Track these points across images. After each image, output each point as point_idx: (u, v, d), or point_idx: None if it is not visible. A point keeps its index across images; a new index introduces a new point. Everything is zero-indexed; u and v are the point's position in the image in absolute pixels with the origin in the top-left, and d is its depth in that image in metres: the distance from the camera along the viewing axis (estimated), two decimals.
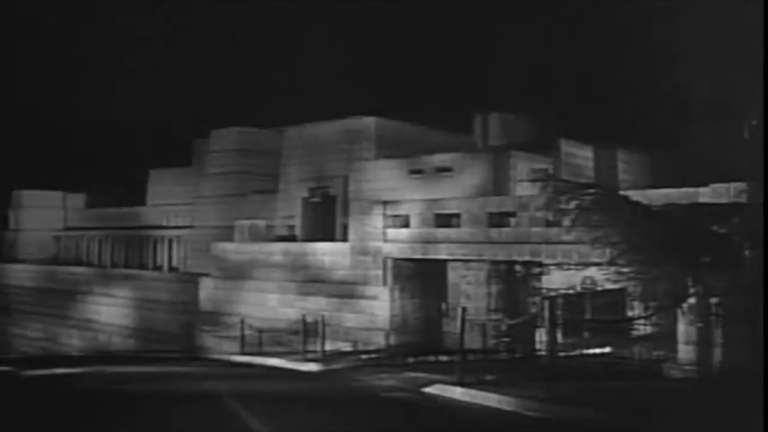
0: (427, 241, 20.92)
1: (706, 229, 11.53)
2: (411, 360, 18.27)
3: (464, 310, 13.73)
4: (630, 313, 15.73)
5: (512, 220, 19.23)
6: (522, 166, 25.39)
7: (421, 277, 22.49)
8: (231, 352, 21.56)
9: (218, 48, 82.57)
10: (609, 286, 13.14)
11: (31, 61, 75.96)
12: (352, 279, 22.90)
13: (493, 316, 20.75)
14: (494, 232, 19.42)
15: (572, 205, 11.84)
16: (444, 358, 17.86)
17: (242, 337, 21.36)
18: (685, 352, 14.12)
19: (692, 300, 12.22)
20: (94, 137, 65.05)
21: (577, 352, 17.86)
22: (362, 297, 22.45)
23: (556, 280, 19.72)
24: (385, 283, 22.07)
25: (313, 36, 75.58)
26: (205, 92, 77.04)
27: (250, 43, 79.47)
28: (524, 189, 23.18)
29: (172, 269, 39.11)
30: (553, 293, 17.52)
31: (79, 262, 45.54)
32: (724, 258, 11.19)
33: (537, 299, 19.40)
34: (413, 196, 23.62)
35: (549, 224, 17.72)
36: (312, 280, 24.19)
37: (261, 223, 30.44)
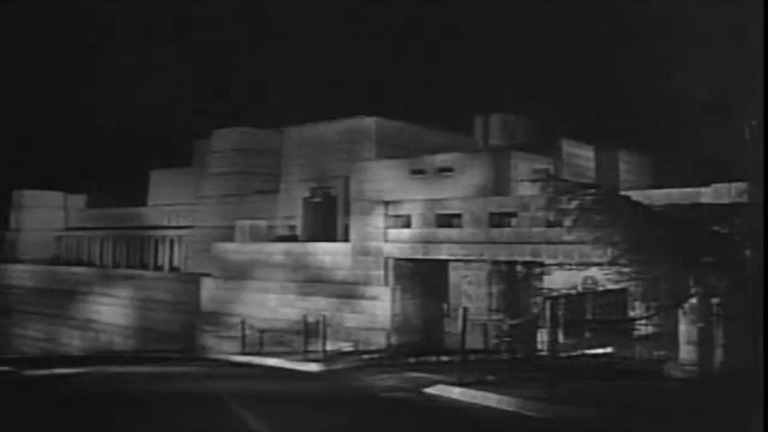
0: (429, 241, 20.91)
1: (708, 230, 11.52)
2: (412, 360, 18.25)
3: (465, 310, 13.72)
4: (631, 313, 15.71)
5: (513, 221, 19.23)
6: (523, 166, 25.38)
7: (422, 278, 22.48)
8: (232, 352, 21.55)
9: (219, 48, 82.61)
10: (610, 286, 13.13)
11: (32, 61, 76.03)
12: (353, 279, 22.90)
13: (495, 317, 20.73)
14: (495, 232, 19.41)
15: (573, 205, 11.82)
16: (445, 358, 17.84)
17: (243, 337, 21.35)
18: (686, 352, 14.11)
19: (693, 300, 12.21)
20: (96, 137, 65.17)
21: (579, 352, 17.85)
22: (363, 297, 22.45)
23: (557, 280, 19.72)
24: (386, 284, 22.07)
25: (314, 36, 75.60)
26: (206, 92, 77.09)
27: (250, 43, 79.48)
28: (525, 189, 23.15)
29: (173, 269, 39.14)
30: (554, 293, 17.53)
31: (80, 263, 45.56)
32: (725, 258, 11.18)
33: (538, 299, 19.39)
34: (414, 196, 23.61)
35: (550, 224, 17.72)
36: (313, 280, 24.19)
37: (262, 223, 30.47)
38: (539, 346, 15.96)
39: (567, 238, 16.16)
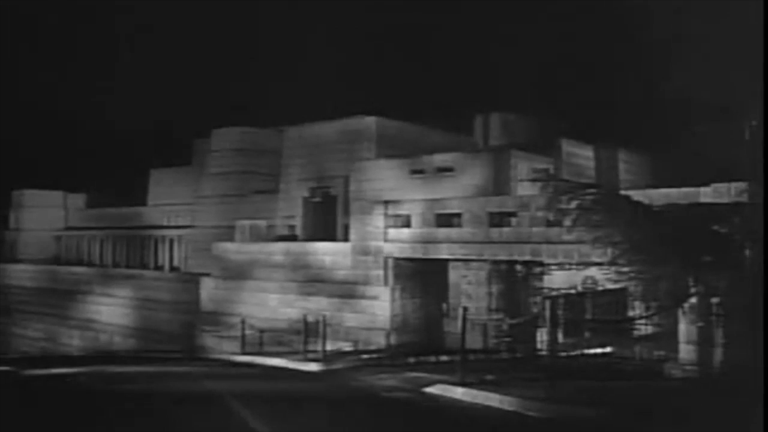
0: (428, 241, 20.91)
1: (707, 229, 11.51)
2: (412, 360, 18.27)
3: (465, 309, 13.74)
4: (631, 313, 15.72)
5: (513, 220, 19.23)
6: (523, 165, 25.39)
7: (422, 277, 22.49)
8: (232, 352, 21.56)
9: (218, 48, 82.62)
10: (610, 285, 13.13)
11: (32, 61, 76.01)
12: (353, 279, 22.89)
13: (494, 316, 20.74)
14: (495, 232, 19.41)
15: (573, 204, 11.82)
16: (445, 358, 17.87)
17: (243, 337, 21.35)
18: (686, 351, 14.11)
19: (693, 300, 12.21)
20: (95, 137, 65.13)
21: (578, 352, 17.87)
22: (363, 297, 22.45)
23: (557, 280, 19.72)
24: (386, 283, 22.07)
25: (313, 35, 75.58)
26: (205, 92, 77.10)
27: (250, 42, 79.48)
28: (525, 189, 23.17)
29: (173, 269, 39.12)
30: (554, 293, 17.54)
31: (80, 262, 45.53)
32: (724, 258, 11.17)
33: (538, 299, 19.40)
34: (414, 196, 23.62)
35: (550, 224, 17.72)
36: (313, 280, 24.19)
37: (262, 223, 30.44)
38: (539, 346, 15.99)
39: (567, 238, 16.16)
